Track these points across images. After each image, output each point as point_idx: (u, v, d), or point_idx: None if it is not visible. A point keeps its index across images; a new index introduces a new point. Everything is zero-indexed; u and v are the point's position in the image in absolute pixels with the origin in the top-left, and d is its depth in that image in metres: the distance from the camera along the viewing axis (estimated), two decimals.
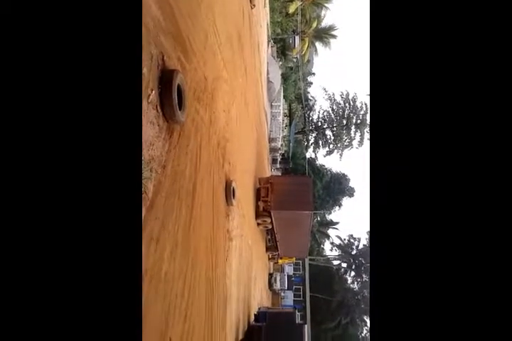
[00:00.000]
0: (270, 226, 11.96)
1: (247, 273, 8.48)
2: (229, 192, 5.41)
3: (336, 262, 42.39)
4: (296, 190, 11.18)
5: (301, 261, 32.66)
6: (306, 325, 9.86)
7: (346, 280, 41.00)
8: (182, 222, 3.12)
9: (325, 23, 34.61)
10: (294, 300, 27.59)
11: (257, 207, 10.77)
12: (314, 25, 32.57)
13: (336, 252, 42.94)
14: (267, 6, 19.72)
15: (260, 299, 13.24)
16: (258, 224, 11.26)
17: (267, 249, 15.43)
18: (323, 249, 42.99)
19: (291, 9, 27.91)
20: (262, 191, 10.88)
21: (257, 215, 10.89)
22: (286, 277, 24.72)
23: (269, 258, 17.81)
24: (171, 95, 2.70)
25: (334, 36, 34.54)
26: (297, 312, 10.94)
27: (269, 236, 14.50)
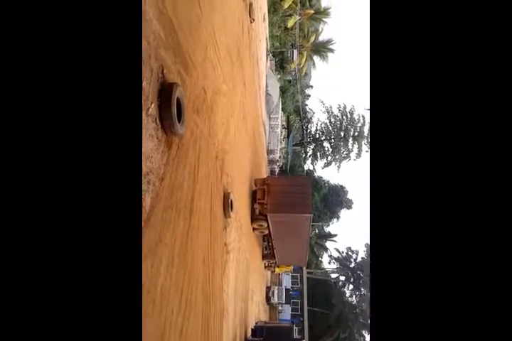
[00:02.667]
0: (267, 232, 11.08)
1: (244, 287, 8.36)
2: (227, 205, 5.38)
3: (334, 275, 41.99)
4: (295, 191, 10.24)
5: (298, 275, 32.33)
6: (303, 340, 9.68)
7: (344, 293, 40.54)
8: (179, 235, 3.09)
9: (323, 37, 35.23)
10: (291, 314, 27.20)
11: (252, 210, 9.96)
12: (312, 39, 33.13)
13: (334, 265, 42.60)
14: (266, 20, 20.08)
15: (257, 313, 13.04)
16: (254, 229, 10.41)
17: (264, 256, 14.48)
18: (321, 261, 42.64)
19: (290, 23, 28.41)
20: (258, 193, 9.97)
21: (253, 219, 10.06)
22: (283, 290, 24.41)
23: (265, 267, 16.79)
24: (171, 108, 2.71)
25: (332, 50, 35.09)
26: (295, 327, 10.77)
27: (266, 243, 13.56)
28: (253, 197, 10.03)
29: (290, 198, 10.03)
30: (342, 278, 41.12)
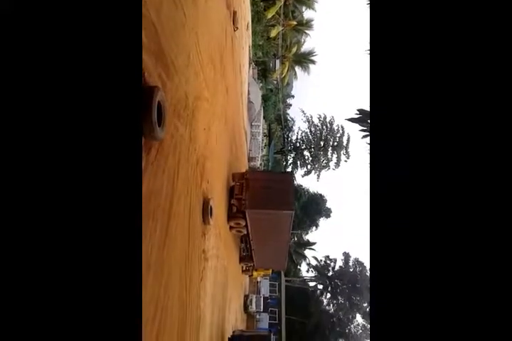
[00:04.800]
0: (245, 231, 10.14)
1: (222, 295, 8.26)
2: (206, 211, 5.33)
3: (312, 283, 42.13)
4: (275, 187, 9.43)
5: (277, 283, 32.23)
6: None
7: (322, 302, 40.71)
8: (156, 242, 3.02)
9: (305, 48, 35.94)
10: (269, 323, 27.00)
11: (229, 206, 9.15)
12: (294, 49, 33.74)
13: (312, 273, 42.77)
14: (250, 29, 20.31)
15: (235, 322, 12.88)
16: (231, 227, 9.52)
17: (241, 259, 13.61)
18: (299, 270, 42.73)
19: (273, 33, 28.88)
20: (236, 188, 9.18)
21: (230, 217, 9.21)
22: (262, 299, 24.27)
23: (243, 271, 15.80)
24: (151, 111, 2.68)
25: (313, 61, 35.81)
26: (272, 335, 10.70)
27: (244, 245, 12.69)
28: (230, 193, 9.23)
29: (270, 194, 9.25)
30: (320, 286, 41.30)
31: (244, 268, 15.54)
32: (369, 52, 1.45)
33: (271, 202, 9.16)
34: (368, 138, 8.43)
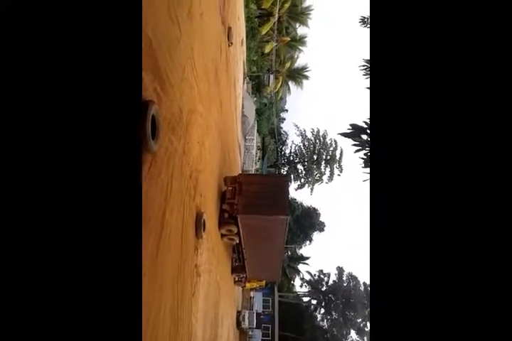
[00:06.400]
0: (237, 239, 9.47)
1: (214, 311, 8.11)
2: (199, 225, 5.28)
3: (305, 299, 41.63)
4: (269, 191, 8.80)
5: (270, 298, 31.77)
6: None
7: (316, 317, 40.15)
8: (148, 256, 2.99)
9: (298, 63, 36.64)
10: (262, 340, 26.49)
11: (221, 212, 8.53)
12: (288, 65, 34.35)
13: (305, 288, 42.31)
14: (244, 44, 20.67)
15: (227, 338, 12.60)
16: (222, 235, 8.88)
17: (233, 270, 12.80)
18: (293, 285, 42.26)
19: (267, 49, 29.44)
20: (228, 192, 8.58)
21: (221, 223, 8.47)
22: (254, 315, 23.86)
23: (235, 282, 14.91)
24: (145, 125, 2.70)
25: (306, 77, 36.43)
26: None
27: (236, 255, 11.88)
28: (222, 198, 8.66)
29: (264, 198, 8.58)
30: (314, 301, 40.81)
31: (236, 280, 15.04)
32: (369, 69, 1.48)
33: (264, 207, 8.50)
34: (361, 152, 8.50)
